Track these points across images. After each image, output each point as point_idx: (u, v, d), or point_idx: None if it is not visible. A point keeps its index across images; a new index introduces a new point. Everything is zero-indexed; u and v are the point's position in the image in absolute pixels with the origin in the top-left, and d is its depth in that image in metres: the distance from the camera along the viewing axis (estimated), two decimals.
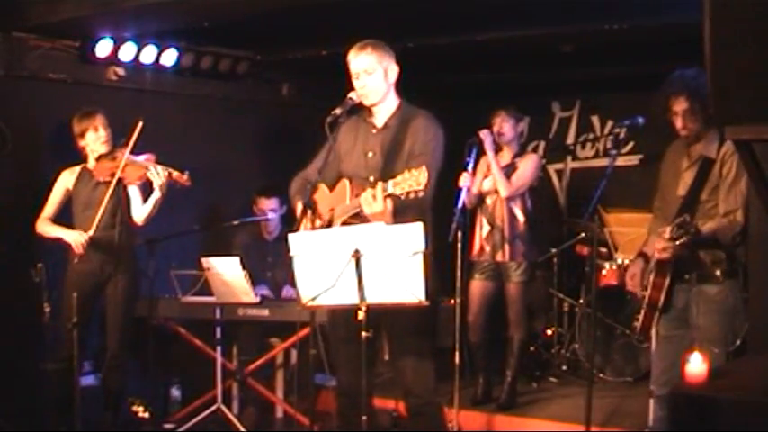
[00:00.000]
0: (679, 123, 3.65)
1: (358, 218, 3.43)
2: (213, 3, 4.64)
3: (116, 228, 4.76)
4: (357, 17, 4.63)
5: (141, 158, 4.78)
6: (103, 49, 5.40)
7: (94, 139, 4.79)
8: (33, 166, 5.25)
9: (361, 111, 3.74)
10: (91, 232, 4.64)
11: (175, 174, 4.73)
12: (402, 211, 3.37)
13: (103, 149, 4.80)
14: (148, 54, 5.64)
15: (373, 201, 3.28)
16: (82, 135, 4.81)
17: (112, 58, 5.50)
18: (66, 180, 4.87)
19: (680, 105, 3.62)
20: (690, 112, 3.61)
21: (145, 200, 4.83)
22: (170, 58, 5.78)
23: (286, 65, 6.42)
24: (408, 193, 3.21)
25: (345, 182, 3.65)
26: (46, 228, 4.82)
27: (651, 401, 4.00)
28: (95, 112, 4.80)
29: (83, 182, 4.85)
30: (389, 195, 3.27)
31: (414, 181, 3.19)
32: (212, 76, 6.10)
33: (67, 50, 5.43)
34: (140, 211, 4.83)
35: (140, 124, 4.66)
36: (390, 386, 5.32)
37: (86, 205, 4.78)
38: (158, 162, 4.78)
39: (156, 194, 4.75)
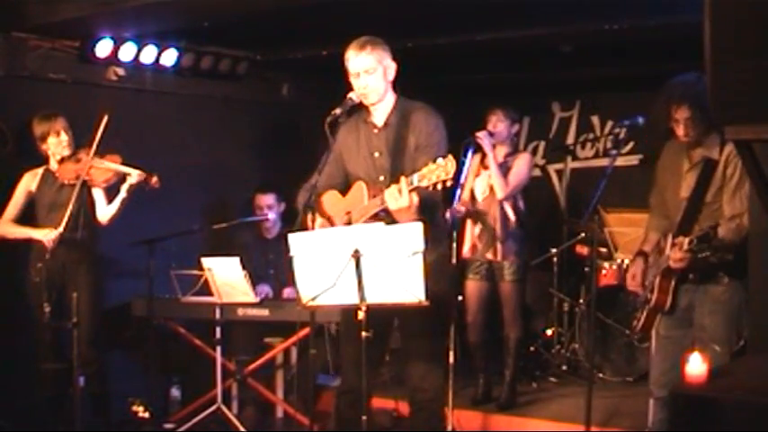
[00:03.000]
0: (681, 131, 3.64)
1: (377, 217, 3.41)
2: (213, 3, 4.64)
3: (79, 230, 4.76)
4: (357, 17, 4.62)
5: (106, 161, 4.76)
6: (103, 49, 5.40)
7: (56, 144, 4.80)
8: (33, 166, 5.24)
9: (359, 111, 3.71)
10: (61, 228, 4.62)
11: (146, 175, 4.73)
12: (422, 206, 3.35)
13: (66, 153, 4.81)
14: (148, 54, 5.64)
15: (399, 195, 3.26)
16: (43, 139, 4.81)
17: (112, 58, 5.50)
18: (29, 182, 4.88)
19: (682, 114, 3.60)
20: (692, 120, 3.60)
21: (109, 200, 4.84)
22: (170, 58, 5.77)
23: (286, 65, 6.42)
24: (436, 184, 3.20)
25: (361, 184, 3.60)
26: (10, 229, 4.82)
27: (651, 402, 3.99)
28: (55, 116, 4.79)
29: (46, 184, 4.85)
30: (415, 189, 3.26)
31: (442, 171, 3.18)
32: (212, 76, 6.10)
33: (67, 50, 5.43)
34: (105, 211, 4.85)
35: (105, 120, 4.60)
36: (390, 386, 5.33)
37: (51, 207, 4.78)
38: (125, 163, 4.77)
39: (123, 195, 4.76)
